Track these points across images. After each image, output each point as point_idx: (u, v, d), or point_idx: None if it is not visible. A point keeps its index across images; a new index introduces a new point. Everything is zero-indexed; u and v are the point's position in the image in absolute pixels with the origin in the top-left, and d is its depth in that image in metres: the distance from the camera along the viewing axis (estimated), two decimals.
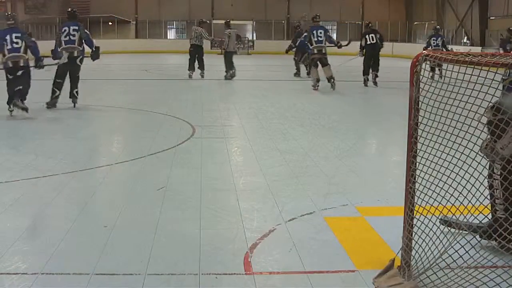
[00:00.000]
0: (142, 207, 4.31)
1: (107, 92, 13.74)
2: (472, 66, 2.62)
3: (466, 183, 2.74)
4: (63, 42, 9.39)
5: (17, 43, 8.41)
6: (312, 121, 8.80)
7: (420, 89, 2.85)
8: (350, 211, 4.24)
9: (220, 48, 21.43)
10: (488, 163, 3.19)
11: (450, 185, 2.78)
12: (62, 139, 7.15)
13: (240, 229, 3.77)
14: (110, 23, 34.54)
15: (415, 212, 2.94)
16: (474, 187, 2.74)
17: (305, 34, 13.53)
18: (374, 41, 14.03)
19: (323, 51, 13.11)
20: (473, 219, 2.89)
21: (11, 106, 8.49)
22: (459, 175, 2.76)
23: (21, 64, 8.50)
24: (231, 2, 35.44)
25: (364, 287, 2.95)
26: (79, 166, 5.63)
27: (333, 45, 13.37)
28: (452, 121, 2.71)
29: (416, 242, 2.96)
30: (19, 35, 8.55)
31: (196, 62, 15.61)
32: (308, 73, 14.34)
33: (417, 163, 2.92)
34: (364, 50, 14.10)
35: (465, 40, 30.59)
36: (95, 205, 4.48)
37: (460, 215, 2.88)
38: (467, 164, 2.72)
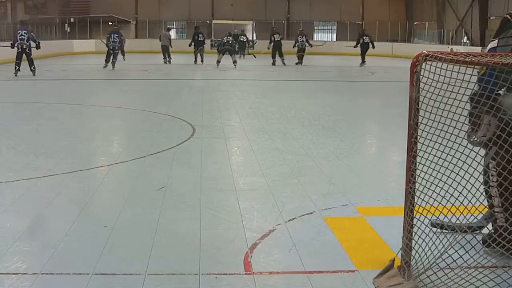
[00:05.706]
0: (142, 207, 4.31)
1: (107, 92, 13.75)
2: (472, 66, 2.62)
3: (466, 183, 2.74)
4: (18, 39, 16.22)
5: (114, 39, 19.43)
6: (312, 121, 8.80)
7: (420, 89, 2.85)
8: (350, 211, 4.23)
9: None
10: (483, 170, 3.16)
11: (450, 185, 2.77)
12: (62, 139, 7.14)
13: (240, 229, 3.77)
14: (110, 23, 34.53)
15: (415, 212, 2.94)
16: (474, 187, 2.74)
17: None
18: (279, 38, 22.73)
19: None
20: (471, 220, 2.88)
21: (108, 64, 19.33)
22: (459, 175, 2.76)
23: (116, 49, 19.71)
24: (231, 2, 35.44)
25: (364, 287, 2.95)
26: (79, 166, 5.63)
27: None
28: (452, 121, 2.71)
29: (416, 242, 2.96)
30: (117, 35, 19.65)
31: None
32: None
33: (417, 163, 2.91)
34: (272, 44, 22.64)
35: (465, 40, 30.58)
36: (95, 205, 4.47)
37: (452, 216, 2.86)
38: (467, 164, 2.72)
